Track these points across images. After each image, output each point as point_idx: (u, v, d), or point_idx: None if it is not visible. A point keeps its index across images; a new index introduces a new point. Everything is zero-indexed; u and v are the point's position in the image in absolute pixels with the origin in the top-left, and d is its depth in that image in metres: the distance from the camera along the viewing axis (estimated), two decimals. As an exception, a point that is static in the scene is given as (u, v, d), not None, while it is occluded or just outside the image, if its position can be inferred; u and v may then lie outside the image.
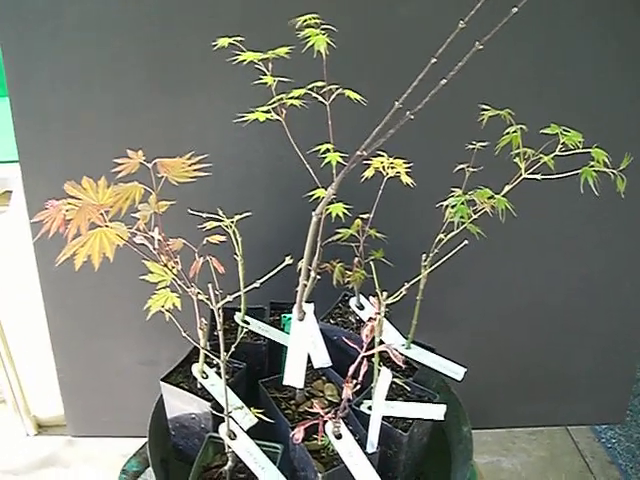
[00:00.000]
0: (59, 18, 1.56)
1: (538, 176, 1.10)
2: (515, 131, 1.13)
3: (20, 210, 1.79)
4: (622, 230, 1.92)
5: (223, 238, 1.20)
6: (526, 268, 1.97)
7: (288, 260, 1.05)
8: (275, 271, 1.03)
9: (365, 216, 1.35)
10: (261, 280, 1.06)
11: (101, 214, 0.91)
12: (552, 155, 1.09)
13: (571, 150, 1.07)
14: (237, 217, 1.27)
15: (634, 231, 1.93)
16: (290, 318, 1.31)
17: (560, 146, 1.08)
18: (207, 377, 1.33)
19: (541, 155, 1.10)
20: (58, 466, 2.24)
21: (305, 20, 1.12)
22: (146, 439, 1.41)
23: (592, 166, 1.07)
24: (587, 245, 1.94)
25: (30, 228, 1.73)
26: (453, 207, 1.21)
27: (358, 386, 1.15)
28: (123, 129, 1.67)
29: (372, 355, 1.17)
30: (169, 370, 1.38)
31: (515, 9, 0.88)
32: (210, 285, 1.07)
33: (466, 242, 1.17)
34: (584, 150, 1.07)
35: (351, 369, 1.13)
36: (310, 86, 1.16)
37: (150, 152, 0.98)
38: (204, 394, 1.30)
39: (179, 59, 1.62)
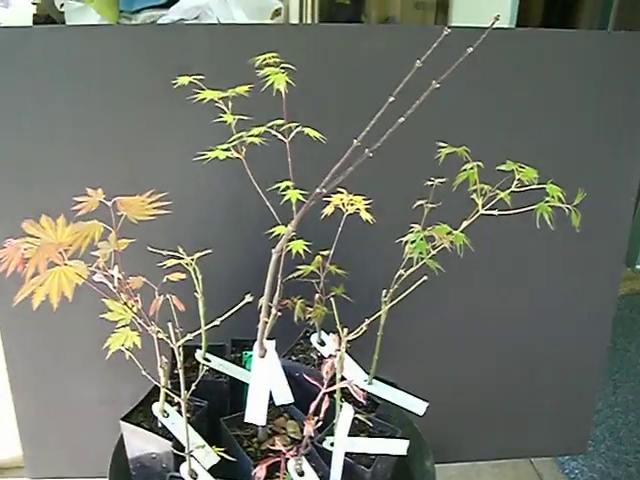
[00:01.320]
0: (16, 58, 1.56)
1: (495, 212, 1.12)
2: (472, 168, 1.15)
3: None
4: (577, 263, 1.96)
5: (183, 276, 1.20)
6: (486, 301, 1.98)
7: (248, 298, 1.06)
8: (235, 309, 1.03)
9: (325, 253, 1.36)
10: (221, 318, 1.06)
11: (60, 253, 0.91)
12: (508, 191, 1.11)
13: (527, 186, 1.10)
14: (197, 254, 1.27)
15: (589, 264, 1.96)
16: (251, 355, 1.31)
17: (516, 182, 1.10)
18: (168, 416, 1.31)
19: (497, 191, 1.12)
20: (16, 510, 2.20)
21: (264, 59, 1.13)
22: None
23: (547, 201, 1.10)
24: (545, 278, 1.97)
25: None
26: (412, 243, 1.23)
27: (320, 423, 1.15)
28: (83, 167, 1.66)
29: (334, 391, 1.17)
30: (129, 409, 1.36)
31: (470, 49, 0.91)
32: (170, 323, 1.07)
33: (425, 278, 1.19)
34: (539, 186, 1.10)
35: (312, 406, 1.13)
36: (270, 124, 1.17)
37: (110, 190, 0.98)
38: (165, 433, 1.29)
39: (139, 97, 1.63)
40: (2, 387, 1.95)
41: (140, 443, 1.33)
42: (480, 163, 1.16)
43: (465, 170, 1.16)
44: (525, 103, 1.74)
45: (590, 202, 1.15)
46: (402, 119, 0.93)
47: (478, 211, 1.14)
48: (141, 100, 1.63)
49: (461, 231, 1.17)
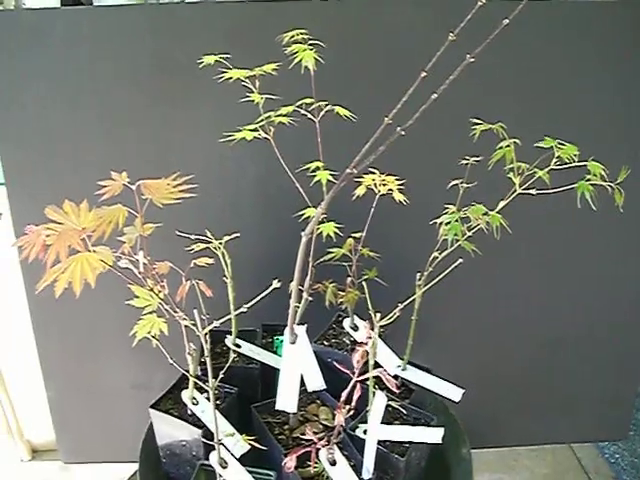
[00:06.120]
0: (44, 40, 1.55)
1: (533, 191, 1.07)
2: (508, 145, 1.10)
3: (9, 233, 1.76)
4: (619, 241, 1.90)
5: (211, 260, 1.17)
6: (525, 284, 1.94)
7: (276, 284, 1.02)
8: (262, 295, 1.00)
9: (357, 235, 1.32)
10: (248, 305, 1.03)
11: (82, 239, 0.89)
12: (547, 169, 1.06)
13: (566, 164, 1.05)
14: (226, 238, 1.25)
15: (631, 245, 1.90)
16: (282, 340, 1.28)
17: (555, 160, 1.05)
18: (197, 403, 1.29)
19: (535, 169, 1.07)
20: (51, 493, 2.21)
21: (292, 36, 1.09)
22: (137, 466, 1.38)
23: (588, 180, 1.04)
24: (586, 260, 1.92)
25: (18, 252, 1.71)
26: (447, 224, 1.18)
27: (352, 412, 1.12)
28: (110, 151, 1.65)
29: (366, 378, 1.14)
30: (159, 396, 1.34)
31: (506, 21, 0.86)
32: (195, 310, 1.04)
33: (461, 260, 1.14)
34: (580, 163, 1.04)
35: (344, 394, 1.10)
36: (298, 103, 1.13)
37: (138, 173, 0.95)
38: (195, 420, 1.27)
39: (165, 77, 1.60)
40: (37, 371, 1.95)
41: (170, 430, 1.31)
42: (517, 140, 1.10)
43: (501, 148, 1.11)
44: (563, 77, 1.68)
45: (632, 180, 1.09)
46: (435, 95, 0.89)
47: (515, 190, 1.09)
48: (167, 80, 1.61)
49: (498, 212, 1.13)
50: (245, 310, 1.04)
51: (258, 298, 1.00)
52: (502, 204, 1.12)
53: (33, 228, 0.90)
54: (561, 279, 1.94)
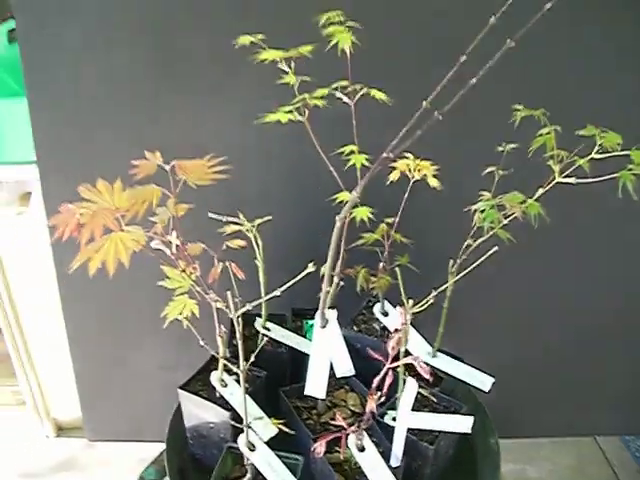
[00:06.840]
0: (77, 19, 1.54)
1: (573, 180, 1.05)
2: (549, 132, 1.08)
3: (39, 212, 1.77)
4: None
5: (243, 243, 1.17)
6: (556, 274, 1.91)
7: (310, 267, 1.01)
8: (296, 279, 0.99)
9: (390, 220, 1.31)
10: (282, 288, 1.02)
11: (116, 219, 0.88)
12: (588, 158, 1.03)
13: (608, 152, 1.02)
14: (258, 221, 1.24)
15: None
16: (313, 325, 1.27)
17: (597, 148, 1.03)
18: (226, 385, 1.29)
19: (576, 157, 1.05)
20: (76, 470, 2.22)
21: (329, 17, 1.08)
22: (164, 446, 1.38)
23: (631, 169, 1.02)
24: (618, 249, 1.89)
25: (48, 231, 1.71)
26: (482, 212, 1.17)
27: (382, 398, 1.11)
28: (142, 130, 1.64)
29: (397, 365, 1.13)
30: (188, 377, 1.34)
31: (549, 4, 0.84)
32: (228, 293, 1.03)
33: (496, 248, 1.13)
34: (622, 152, 1.02)
35: (375, 381, 1.09)
36: (334, 86, 1.12)
37: (170, 153, 0.94)
38: (223, 403, 1.26)
39: (200, 58, 1.59)
40: (64, 349, 1.96)
41: (198, 412, 1.31)
42: (558, 127, 1.08)
43: (542, 135, 1.09)
44: (609, 61, 1.64)
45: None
46: (474, 80, 0.87)
47: (554, 179, 1.07)
48: (202, 60, 1.59)
49: (535, 200, 1.11)
50: (278, 294, 1.03)
51: (292, 282, 0.99)
52: (540, 192, 1.10)
53: (68, 207, 0.89)
54: (593, 270, 1.91)
